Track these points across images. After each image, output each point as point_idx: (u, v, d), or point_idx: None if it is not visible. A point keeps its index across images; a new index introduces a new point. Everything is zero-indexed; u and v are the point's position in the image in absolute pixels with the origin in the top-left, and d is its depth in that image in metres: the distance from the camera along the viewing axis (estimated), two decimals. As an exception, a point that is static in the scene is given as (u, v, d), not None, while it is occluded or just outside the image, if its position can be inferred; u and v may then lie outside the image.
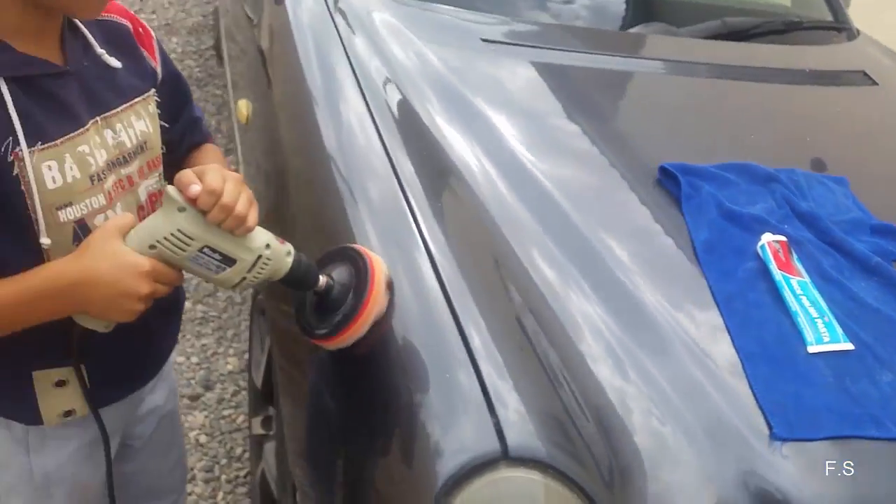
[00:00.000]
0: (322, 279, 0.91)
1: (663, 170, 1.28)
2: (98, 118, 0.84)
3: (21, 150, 0.75)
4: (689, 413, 0.94)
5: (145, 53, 0.93)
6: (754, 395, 0.97)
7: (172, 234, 0.79)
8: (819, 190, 1.33)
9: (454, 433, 0.87)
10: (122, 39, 0.90)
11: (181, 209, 0.79)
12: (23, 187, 0.76)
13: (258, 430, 1.66)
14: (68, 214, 0.80)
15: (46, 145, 0.78)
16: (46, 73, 0.78)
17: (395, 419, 0.92)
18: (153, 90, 0.92)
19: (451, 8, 1.74)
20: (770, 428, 0.94)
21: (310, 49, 1.57)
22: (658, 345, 1.02)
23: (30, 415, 0.90)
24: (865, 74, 1.95)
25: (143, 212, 0.91)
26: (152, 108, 0.92)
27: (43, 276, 0.78)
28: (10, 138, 0.74)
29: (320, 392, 1.08)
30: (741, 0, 2.49)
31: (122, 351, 0.93)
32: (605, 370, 0.97)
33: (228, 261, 0.82)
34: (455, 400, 0.89)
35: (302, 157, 1.40)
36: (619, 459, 0.89)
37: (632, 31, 1.91)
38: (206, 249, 0.81)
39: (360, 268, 0.93)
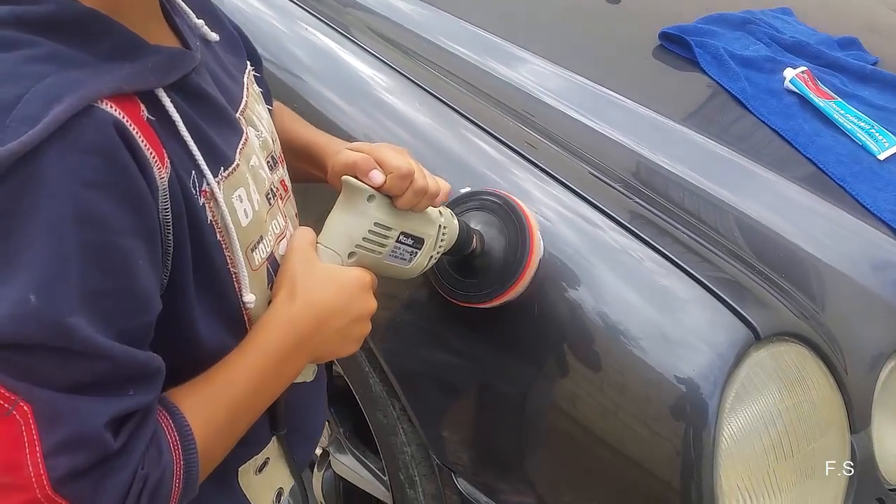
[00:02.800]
0: (475, 238, 0.80)
1: (665, 35, 1.28)
2: (240, 115, 0.63)
3: (210, 186, 0.54)
4: (832, 240, 0.98)
5: (220, 13, 0.70)
6: (867, 209, 1.03)
7: (371, 231, 0.66)
8: (780, 23, 1.41)
9: (698, 337, 0.81)
10: (202, 4, 0.67)
11: (371, 197, 0.65)
12: (219, 236, 0.55)
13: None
14: (261, 254, 0.61)
15: (229, 170, 0.57)
16: (192, 69, 0.55)
17: (620, 354, 0.81)
18: (249, 63, 0.71)
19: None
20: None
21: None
22: (765, 185, 1.04)
23: None
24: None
25: (297, 220, 0.72)
26: (256, 86, 0.71)
27: (271, 336, 0.59)
28: (194, 172, 0.53)
29: (497, 368, 0.92)
30: None
31: (307, 403, 0.77)
32: (751, 221, 0.98)
33: (418, 243, 0.71)
34: (677, 305, 0.83)
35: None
36: (811, 303, 0.91)
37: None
38: (401, 237, 0.69)
39: (506, 213, 0.83)
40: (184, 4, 0.62)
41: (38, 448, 0.43)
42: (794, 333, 0.83)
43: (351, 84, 1.10)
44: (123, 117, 0.46)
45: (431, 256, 0.73)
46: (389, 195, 0.66)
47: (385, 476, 1.13)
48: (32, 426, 0.43)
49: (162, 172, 0.49)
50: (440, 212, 0.73)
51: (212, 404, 0.54)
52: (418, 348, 0.99)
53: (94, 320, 0.44)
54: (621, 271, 0.85)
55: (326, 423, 1.30)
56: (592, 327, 0.82)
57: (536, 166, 0.95)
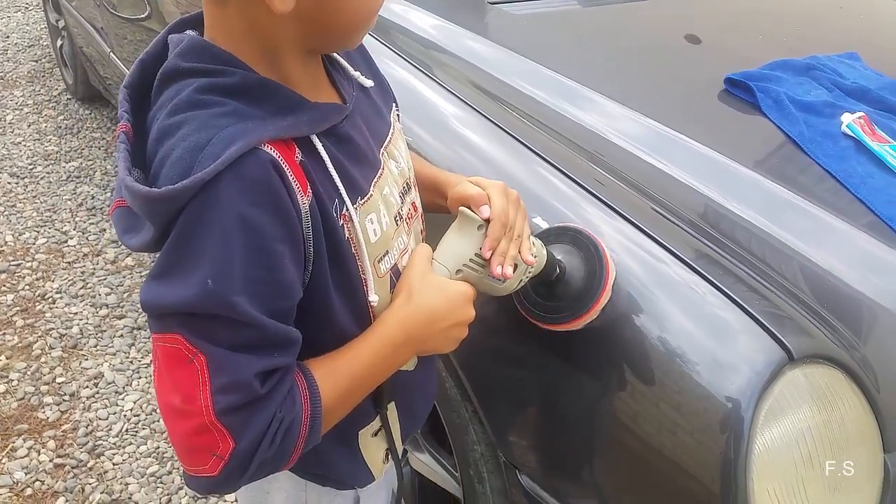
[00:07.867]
0: (558, 267, 0.92)
1: (729, 80, 1.38)
2: (383, 150, 0.78)
3: (349, 211, 0.69)
4: (881, 277, 1.06)
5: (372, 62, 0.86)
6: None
7: (477, 255, 0.80)
8: (844, 68, 1.49)
9: (735, 356, 0.91)
10: (360, 53, 0.81)
11: (480, 227, 0.80)
12: (353, 250, 0.71)
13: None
14: (386, 264, 0.76)
15: (365, 199, 0.72)
16: (342, 119, 0.71)
17: (670, 369, 0.93)
18: (395, 104, 0.86)
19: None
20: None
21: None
22: (816, 225, 1.12)
23: (364, 476, 0.87)
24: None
25: (423, 235, 0.87)
26: (399, 124, 0.86)
27: (388, 329, 0.73)
28: (337, 200, 0.68)
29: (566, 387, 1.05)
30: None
31: (417, 385, 0.92)
32: (792, 257, 1.07)
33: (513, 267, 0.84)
34: (718, 325, 0.94)
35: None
36: (844, 324, 1.00)
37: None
38: None
39: (587, 248, 0.94)
40: (342, 60, 0.77)
41: (208, 387, 0.60)
42: (827, 357, 0.93)
43: (432, 117, 1.24)
44: (279, 157, 0.62)
45: (521, 280, 0.86)
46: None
47: (457, 472, 1.27)
48: (205, 371, 0.60)
49: (304, 199, 0.64)
50: (533, 242, 0.86)
51: (338, 373, 0.70)
52: (492, 362, 1.12)
53: (252, 300, 0.61)
54: (681, 302, 0.97)
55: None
56: (653, 351, 0.94)
57: (604, 203, 1.07)
